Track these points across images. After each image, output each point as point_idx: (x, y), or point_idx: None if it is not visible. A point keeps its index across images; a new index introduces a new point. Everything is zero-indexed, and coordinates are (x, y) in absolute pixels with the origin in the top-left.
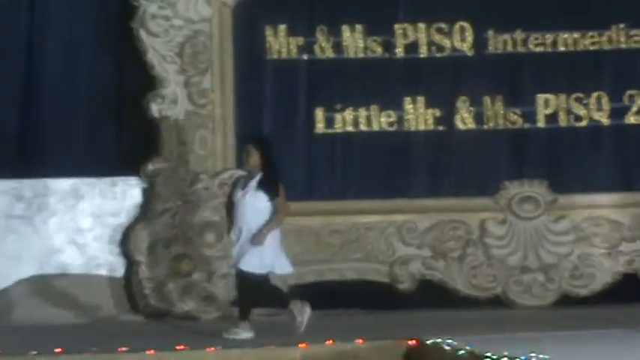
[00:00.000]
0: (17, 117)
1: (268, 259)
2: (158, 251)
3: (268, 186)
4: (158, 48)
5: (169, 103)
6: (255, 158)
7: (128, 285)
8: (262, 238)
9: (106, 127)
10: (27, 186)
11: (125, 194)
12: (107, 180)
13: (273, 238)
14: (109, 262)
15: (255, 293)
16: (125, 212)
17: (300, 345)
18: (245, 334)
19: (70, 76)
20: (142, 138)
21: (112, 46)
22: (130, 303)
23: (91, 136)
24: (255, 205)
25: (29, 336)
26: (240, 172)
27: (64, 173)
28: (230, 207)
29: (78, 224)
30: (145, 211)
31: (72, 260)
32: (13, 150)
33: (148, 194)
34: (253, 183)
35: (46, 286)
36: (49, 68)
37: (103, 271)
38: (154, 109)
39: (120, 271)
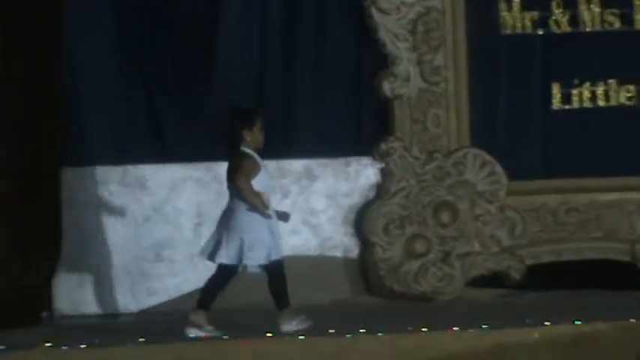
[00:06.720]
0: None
1: None
2: (392, 232)
3: None
4: (390, 26)
5: (402, 81)
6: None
7: (363, 266)
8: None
9: (339, 106)
10: None
11: (358, 174)
12: (341, 160)
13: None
14: (343, 244)
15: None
16: (359, 193)
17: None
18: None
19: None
20: (374, 117)
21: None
22: (365, 284)
23: (323, 116)
24: None
25: (263, 317)
26: None
27: (297, 154)
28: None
29: (311, 205)
30: (379, 191)
31: (306, 242)
32: None
33: (382, 174)
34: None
35: None
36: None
37: (338, 253)
38: (387, 87)
39: (354, 252)
